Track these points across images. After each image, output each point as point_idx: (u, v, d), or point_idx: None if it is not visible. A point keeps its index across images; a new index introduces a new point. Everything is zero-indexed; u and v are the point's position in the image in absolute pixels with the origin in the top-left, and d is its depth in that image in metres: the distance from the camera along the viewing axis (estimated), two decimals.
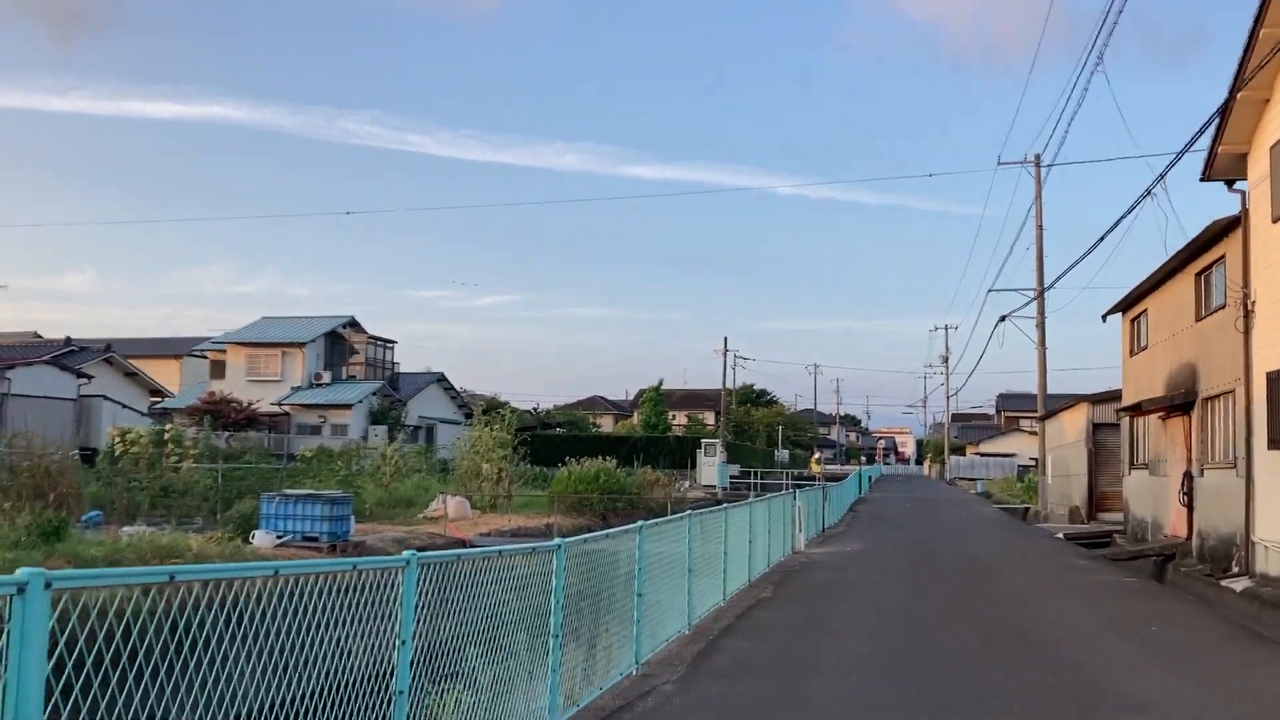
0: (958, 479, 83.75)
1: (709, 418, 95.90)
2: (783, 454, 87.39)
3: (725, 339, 77.28)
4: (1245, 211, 17.48)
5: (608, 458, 38.92)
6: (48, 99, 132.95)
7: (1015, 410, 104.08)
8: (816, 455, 71.92)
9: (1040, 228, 41.69)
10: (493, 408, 42.26)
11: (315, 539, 19.03)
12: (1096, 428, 32.78)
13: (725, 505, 14.71)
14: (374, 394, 61.00)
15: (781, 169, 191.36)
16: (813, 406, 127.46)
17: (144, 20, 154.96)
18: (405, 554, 5.22)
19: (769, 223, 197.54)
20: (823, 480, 41.22)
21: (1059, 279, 34.14)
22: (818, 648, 10.75)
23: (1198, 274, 20.78)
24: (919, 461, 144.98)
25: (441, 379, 68.40)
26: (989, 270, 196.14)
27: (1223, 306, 18.96)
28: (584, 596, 8.40)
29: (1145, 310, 25.54)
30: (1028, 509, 44.08)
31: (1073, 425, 35.35)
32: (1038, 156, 41.64)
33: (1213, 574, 17.96)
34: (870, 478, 66.53)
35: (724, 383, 75.70)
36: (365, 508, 28.42)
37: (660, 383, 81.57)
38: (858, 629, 11.89)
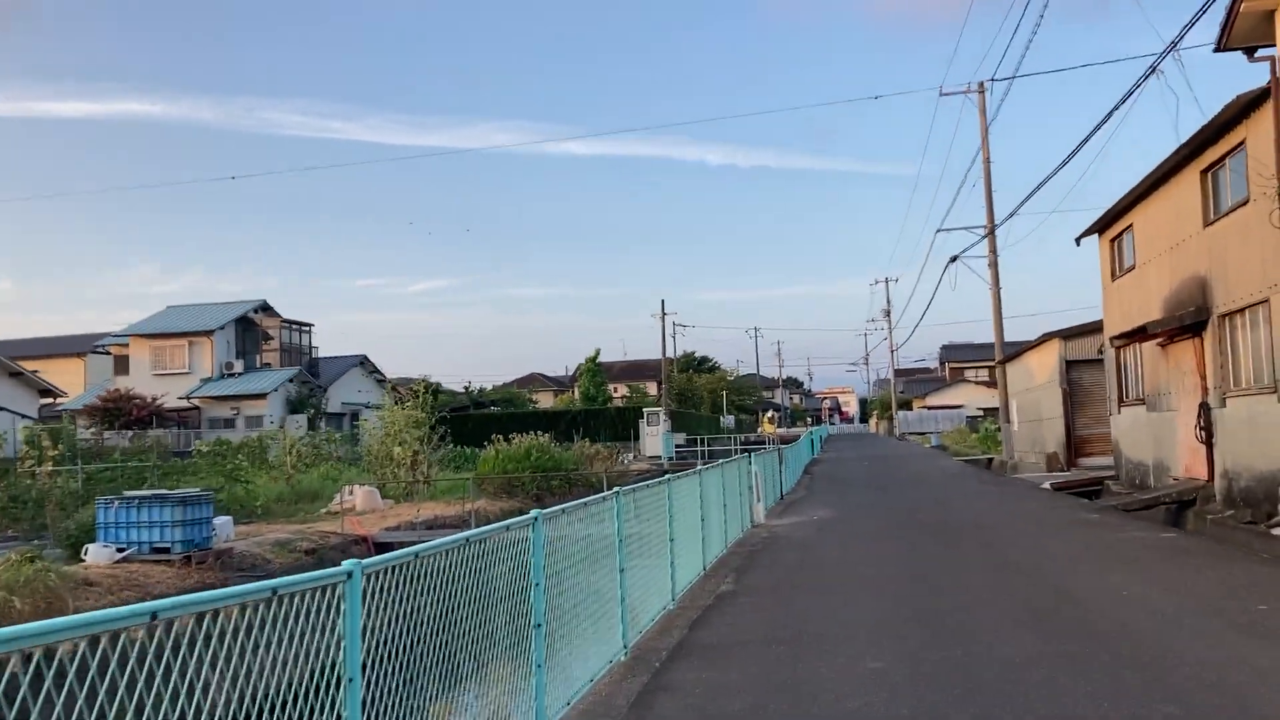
0: (907, 434, 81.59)
1: (651, 388, 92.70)
2: (728, 419, 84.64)
3: (663, 302, 73.80)
4: (1276, 80, 14.42)
5: (544, 434, 35.50)
6: None
7: (960, 361, 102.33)
8: (770, 414, 69.23)
9: (988, 160, 39.47)
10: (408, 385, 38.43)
11: (166, 549, 15.31)
12: (1070, 365, 29.99)
13: (670, 476, 11.37)
14: (291, 381, 56.81)
15: (713, 138, 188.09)
16: (755, 370, 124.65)
17: (53, 16, 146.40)
18: None
19: (703, 194, 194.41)
20: (776, 442, 38.20)
21: (1025, 200, 31.61)
22: (812, 673, 7.38)
23: (1204, 170, 17.77)
24: (864, 420, 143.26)
25: (364, 362, 64.18)
26: (933, 215, 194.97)
27: (1245, 202, 15.95)
28: (438, 642, 4.96)
29: (1129, 226, 22.59)
30: (991, 460, 41.60)
31: (1042, 366, 32.56)
32: (981, 84, 39.80)
33: (1255, 520, 15.01)
34: (820, 438, 64.01)
35: (664, 349, 72.38)
36: (258, 505, 24.66)
37: (597, 353, 77.91)
38: (860, 634, 8.57)
